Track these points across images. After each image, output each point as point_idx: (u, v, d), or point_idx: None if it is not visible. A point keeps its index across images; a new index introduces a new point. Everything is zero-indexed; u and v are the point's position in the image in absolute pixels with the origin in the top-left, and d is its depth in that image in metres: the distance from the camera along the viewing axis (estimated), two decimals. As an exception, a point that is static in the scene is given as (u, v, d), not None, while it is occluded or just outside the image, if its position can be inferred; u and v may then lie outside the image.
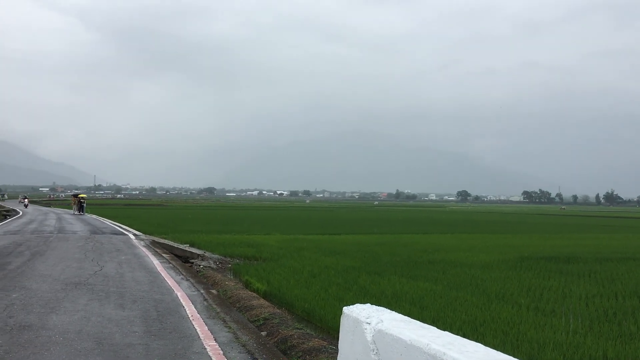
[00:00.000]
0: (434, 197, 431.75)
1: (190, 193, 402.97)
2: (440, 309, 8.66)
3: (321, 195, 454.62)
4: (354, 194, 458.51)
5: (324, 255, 16.89)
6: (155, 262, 14.56)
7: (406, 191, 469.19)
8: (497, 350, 2.44)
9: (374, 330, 2.74)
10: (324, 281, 11.48)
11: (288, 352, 6.29)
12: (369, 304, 3.12)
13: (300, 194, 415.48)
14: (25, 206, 61.98)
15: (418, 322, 2.77)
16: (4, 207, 62.83)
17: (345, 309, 3.10)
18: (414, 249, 19.43)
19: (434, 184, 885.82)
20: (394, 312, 2.98)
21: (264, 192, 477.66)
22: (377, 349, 2.67)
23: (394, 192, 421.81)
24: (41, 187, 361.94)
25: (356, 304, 3.13)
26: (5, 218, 39.44)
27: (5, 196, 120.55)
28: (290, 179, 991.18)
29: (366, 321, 2.81)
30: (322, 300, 9.36)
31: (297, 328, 7.27)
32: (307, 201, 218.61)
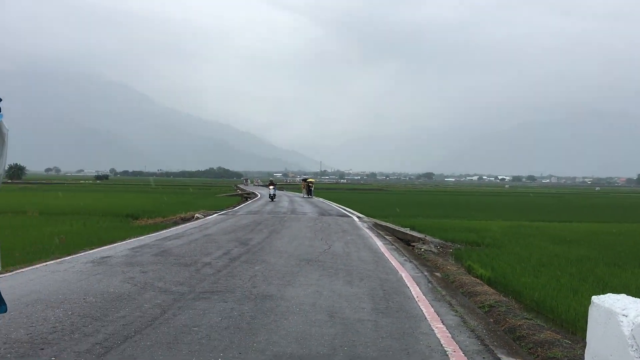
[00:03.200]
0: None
1: (409, 178, 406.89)
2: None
3: (547, 180, 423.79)
4: (586, 179, 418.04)
5: (553, 243, 15.83)
6: (379, 243, 15.04)
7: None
8: None
9: (633, 324, 2.41)
10: (554, 270, 10.79)
11: (518, 343, 5.99)
12: (623, 294, 2.77)
13: (523, 179, 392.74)
14: (272, 198, 42.73)
15: None
16: (245, 190, 70.67)
17: (595, 299, 2.80)
18: (662, 241, 17.15)
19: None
20: (656, 305, 2.60)
21: (484, 177, 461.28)
22: (639, 346, 2.36)
23: (635, 177, 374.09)
24: (275, 173, 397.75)
25: (608, 294, 2.80)
26: (246, 200, 44.28)
27: (248, 181, 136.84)
28: (514, 163, 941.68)
29: (622, 313, 2.49)
30: (554, 290, 8.78)
31: (526, 318, 6.89)
32: (506, 186, 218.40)
